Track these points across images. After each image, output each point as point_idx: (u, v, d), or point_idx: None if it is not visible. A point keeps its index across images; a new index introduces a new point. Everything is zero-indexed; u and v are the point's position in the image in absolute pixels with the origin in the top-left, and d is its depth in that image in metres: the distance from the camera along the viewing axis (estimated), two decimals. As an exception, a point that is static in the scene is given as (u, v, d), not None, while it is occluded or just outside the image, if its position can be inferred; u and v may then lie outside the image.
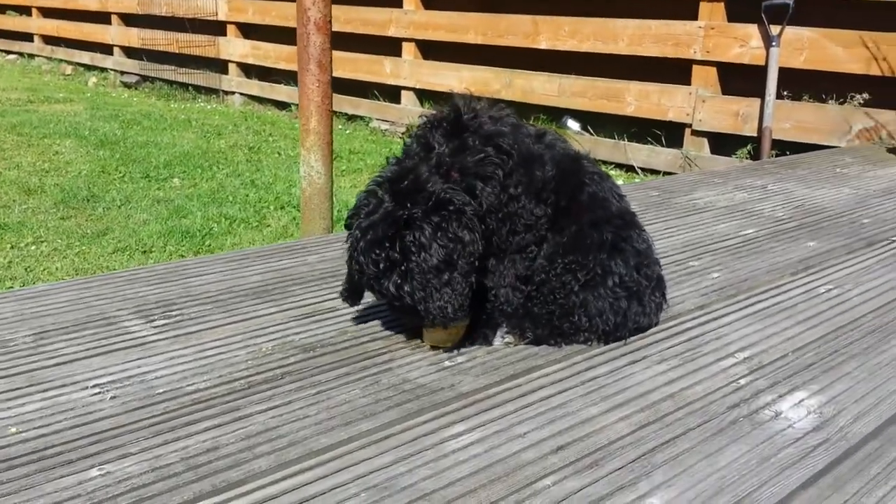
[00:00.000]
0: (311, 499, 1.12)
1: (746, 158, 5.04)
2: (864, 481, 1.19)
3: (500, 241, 1.58)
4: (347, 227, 1.55)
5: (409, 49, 7.35)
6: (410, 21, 7.25)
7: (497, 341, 1.66)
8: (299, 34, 2.78)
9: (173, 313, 1.79)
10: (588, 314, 1.62)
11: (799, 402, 1.44)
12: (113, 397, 1.40)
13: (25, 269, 3.47)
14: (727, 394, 1.47)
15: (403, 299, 1.49)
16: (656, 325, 1.75)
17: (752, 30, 5.01)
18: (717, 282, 2.10)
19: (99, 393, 1.42)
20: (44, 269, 3.47)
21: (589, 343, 1.66)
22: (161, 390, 1.43)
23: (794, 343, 1.71)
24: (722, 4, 5.21)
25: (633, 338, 1.69)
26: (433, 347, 1.63)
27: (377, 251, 1.47)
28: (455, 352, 1.62)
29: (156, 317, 1.77)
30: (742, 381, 1.52)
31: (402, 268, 1.47)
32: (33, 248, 3.75)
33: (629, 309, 1.65)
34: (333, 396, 1.42)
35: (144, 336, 1.67)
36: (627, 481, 1.18)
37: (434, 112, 1.61)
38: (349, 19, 7.74)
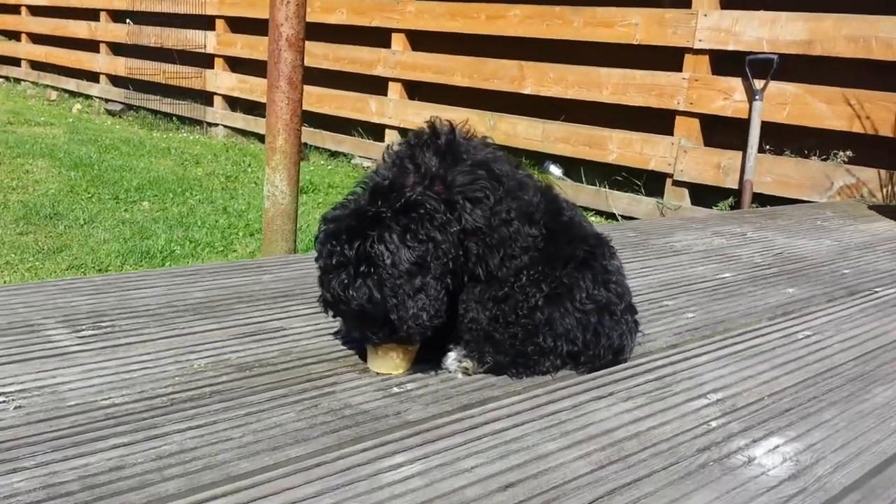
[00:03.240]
0: (218, 528, 0.98)
1: (727, 211, 4.99)
2: (845, 536, 1.07)
3: (491, 269, 1.49)
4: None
5: (395, 89, 7.33)
6: (398, 61, 7.24)
7: (453, 365, 1.53)
8: (270, 51, 2.69)
9: (104, 324, 1.65)
10: (553, 333, 1.51)
11: (774, 448, 1.32)
12: (17, 407, 1.26)
13: (-28, 283, 3.31)
14: (697, 436, 1.35)
15: (350, 302, 1.39)
16: (629, 355, 1.63)
17: (736, 83, 5.01)
18: (692, 322, 1.99)
19: (3, 402, 1.27)
20: (-8, 283, 3.31)
21: (552, 373, 1.54)
22: (72, 403, 1.29)
23: (770, 387, 1.59)
24: (706, 57, 5.22)
25: (598, 373, 1.57)
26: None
27: (333, 242, 1.39)
28: (406, 378, 1.49)
29: (84, 327, 1.63)
30: (714, 424, 1.40)
31: (362, 269, 1.37)
32: (-15, 261, 3.60)
33: (600, 323, 1.54)
34: (264, 419, 1.29)
35: (66, 346, 1.52)
36: (581, 524, 1.05)
37: (421, 130, 1.52)
38: (338, 57, 7.73)
